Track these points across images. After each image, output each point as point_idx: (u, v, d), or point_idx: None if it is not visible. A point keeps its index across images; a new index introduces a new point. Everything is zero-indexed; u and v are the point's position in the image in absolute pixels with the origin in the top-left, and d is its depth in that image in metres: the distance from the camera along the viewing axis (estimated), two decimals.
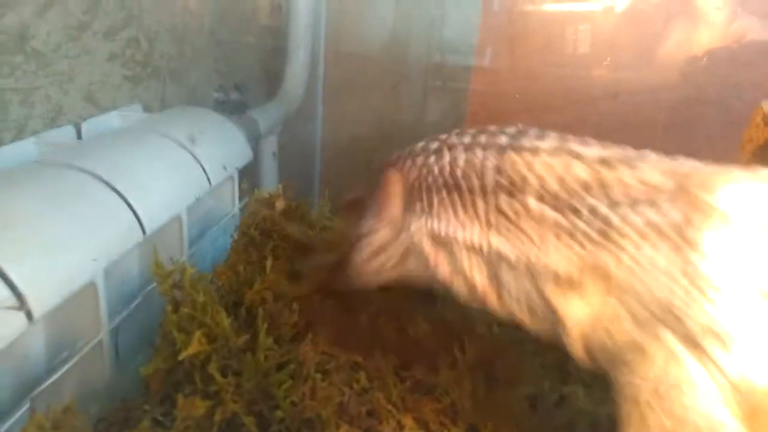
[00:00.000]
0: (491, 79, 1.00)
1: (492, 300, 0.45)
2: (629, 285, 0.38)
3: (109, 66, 0.85)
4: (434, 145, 0.49)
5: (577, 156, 0.41)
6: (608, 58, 0.97)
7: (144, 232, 0.62)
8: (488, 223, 0.44)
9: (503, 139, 0.45)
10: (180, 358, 0.49)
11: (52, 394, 0.50)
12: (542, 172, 0.42)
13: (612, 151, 0.42)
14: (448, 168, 0.46)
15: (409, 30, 1.19)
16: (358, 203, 0.55)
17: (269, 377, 0.49)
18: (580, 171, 0.41)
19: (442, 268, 0.47)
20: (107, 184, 0.61)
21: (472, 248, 0.45)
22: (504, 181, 0.43)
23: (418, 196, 0.48)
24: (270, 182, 1.13)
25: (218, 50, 1.13)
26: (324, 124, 1.21)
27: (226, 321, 0.51)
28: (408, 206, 0.49)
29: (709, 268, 0.35)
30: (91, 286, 0.54)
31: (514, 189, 0.42)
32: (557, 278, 0.40)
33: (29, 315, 0.46)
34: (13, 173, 0.58)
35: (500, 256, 0.43)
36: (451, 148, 0.47)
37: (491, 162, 0.44)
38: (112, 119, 0.82)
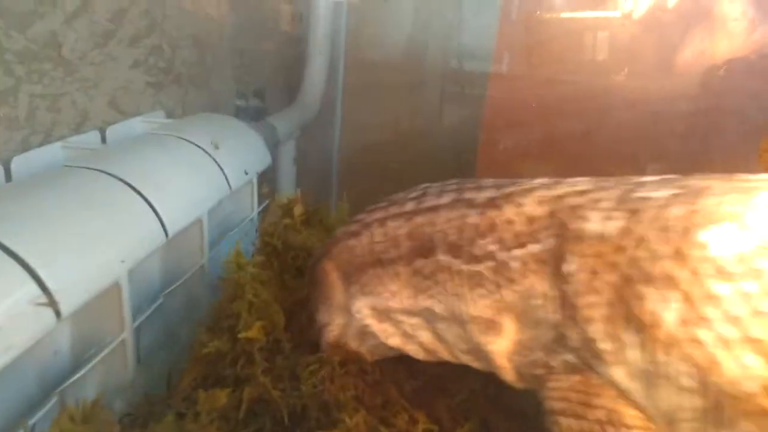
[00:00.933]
0: (508, 85, 1.01)
1: (443, 353, 0.49)
2: (528, 315, 0.42)
3: (132, 73, 0.87)
4: (353, 227, 0.52)
5: (470, 204, 0.45)
6: (626, 68, 0.97)
7: (167, 234, 0.64)
8: (413, 287, 0.47)
9: (409, 206, 0.49)
10: (240, 336, 0.54)
11: (78, 389, 0.52)
12: (444, 228, 0.45)
13: (500, 191, 0.45)
14: (367, 246, 0.50)
15: (427, 37, 1.20)
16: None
17: (300, 359, 0.53)
18: (473, 218, 0.44)
19: (393, 338, 0.50)
20: (132, 187, 0.62)
21: (409, 312, 0.48)
22: (416, 244, 0.47)
23: (351, 278, 0.51)
24: (289, 187, 1.15)
25: (239, 58, 1.15)
26: (342, 130, 1.22)
27: (282, 321, 0.54)
28: (346, 290, 0.52)
29: (573, 292, 0.38)
30: (116, 286, 0.56)
31: (424, 250, 0.46)
32: (477, 322, 0.44)
33: (58, 313, 0.48)
34: (43, 176, 0.60)
35: (432, 313, 0.47)
36: (367, 226, 0.51)
37: (402, 230, 0.48)
38: (136, 125, 0.84)
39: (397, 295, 0.48)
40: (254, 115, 1.01)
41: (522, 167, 1.01)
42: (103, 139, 0.79)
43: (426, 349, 0.49)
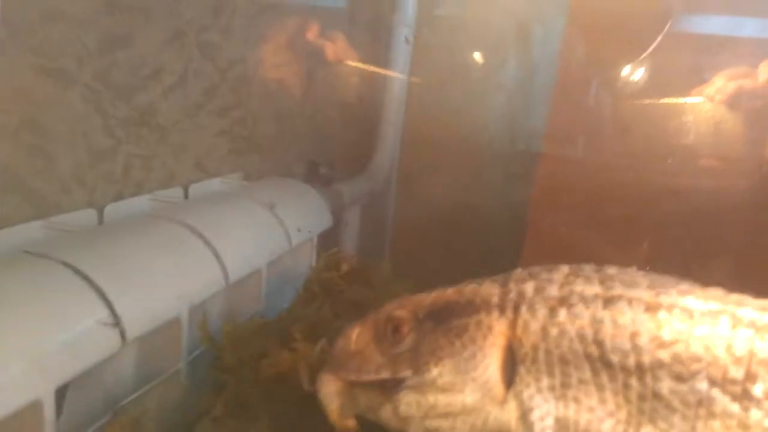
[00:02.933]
0: (557, 167, 1.06)
1: None
2: None
3: (217, 140, 0.98)
4: (553, 290, 0.38)
5: (740, 321, 0.34)
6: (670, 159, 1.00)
7: (227, 281, 0.71)
8: (640, 412, 0.35)
9: (644, 293, 0.36)
10: None
11: (134, 410, 0.59)
12: (714, 350, 0.33)
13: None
14: (590, 332, 0.36)
15: (488, 117, 1.27)
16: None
17: None
18: (751, 344, 0.33)
19: None
20: (201, 237, 0.71)
21: None
22: (667, 359, 0.34)
23: (547, 367, 0.36)
24: (351, 250, 1.22)
25: (314, 130, 1.26)
26: (398, 204, 1.29)
27: None
28: (522, 377, 0.37)
29: None
30: (176, 320, 0.63)
31: (683, 370, 0.34)
32: None
33: (123, 336, 0.56)
34: (127, 222, 0.70)
35: None
36: (585, 300, 0.37)
37: (646, 328, 0.34)
38: (215, 184, 0.95)
39: (613, 416, 0.35)
40: (324, 181, 1.10)
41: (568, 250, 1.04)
42: (186, 195, 0.89)
43: None
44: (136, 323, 0.57)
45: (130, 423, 0.51)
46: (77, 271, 0.56)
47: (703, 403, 0.33)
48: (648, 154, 1.05)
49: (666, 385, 0.34)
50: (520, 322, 0.38)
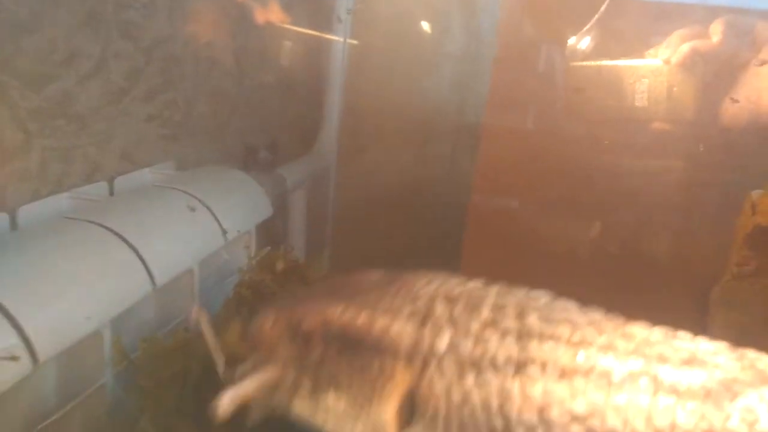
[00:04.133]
0: (501, 138, 1.03)
1: None
2: None
3: (145, 126, 0.92)
4: (467, 346, 0.35)
5: (661, 386, 0.31)
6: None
7: (154, 284, 0.67)
8: None
9: (563, 353, 0.33)
10: None
11: (58, 428, 0.55)
12: (633, 422, 0.30)
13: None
14: (496, 403, 0.33)
15: (434, 87, 1.23)
16: None
17: None
18: (673, 415, 0.30)
19: None
20: (123, 239, 0.66)
21: None
22: None
23: (445, 430, 0.34)
24: (298, 234, 1.18)
25: (253, 109, 1.20)
26: (340, 184, 1.26)
27: None
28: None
29: None
30: (98, 334, 0.59)
31: None
32: None
33: (35, 360, 0.51)
34: (41, 228, 0.65)
35: None
36: (496, 366, 0.34)
37: (558, 400, 0.31)
38: (145, 176, 0.89)
39: None
40: (264, 167, 1.05)
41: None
42: (111, 190, 0.84)
43: None
44: (50, 344, 0.53)
45: None
46: None
47: None
48: (592, 122, 1.03)
49: None
50: (426, 377, 0.35)
